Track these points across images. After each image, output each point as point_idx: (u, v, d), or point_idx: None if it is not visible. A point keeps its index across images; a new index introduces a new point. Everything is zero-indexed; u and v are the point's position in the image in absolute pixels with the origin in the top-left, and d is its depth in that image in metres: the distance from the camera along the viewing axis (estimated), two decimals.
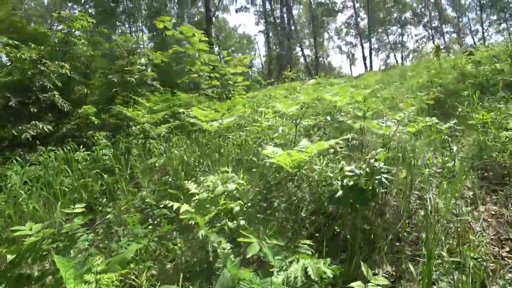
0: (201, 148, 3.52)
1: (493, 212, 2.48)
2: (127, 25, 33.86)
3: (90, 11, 30.27)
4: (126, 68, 5.78)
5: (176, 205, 1.93)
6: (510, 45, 8.43)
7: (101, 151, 4.20)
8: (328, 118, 3.60)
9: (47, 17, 28.38)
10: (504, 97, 4.54)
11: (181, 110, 4.87)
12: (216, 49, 40.43)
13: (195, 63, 6.95)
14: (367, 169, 1.77)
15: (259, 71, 41.60)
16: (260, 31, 33.55)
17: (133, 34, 32.71)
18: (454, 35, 43.89)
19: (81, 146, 4.52)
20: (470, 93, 5.44)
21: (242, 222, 1.98)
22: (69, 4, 30.52)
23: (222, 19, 41.98)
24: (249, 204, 2.17)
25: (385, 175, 1.85)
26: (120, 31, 31.28)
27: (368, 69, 30.88)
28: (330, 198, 1.91)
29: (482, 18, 42.22)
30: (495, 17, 42.16)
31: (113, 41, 6.22)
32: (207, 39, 6.82)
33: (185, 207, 1.98)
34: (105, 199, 3.32)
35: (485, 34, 43.22)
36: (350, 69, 44.88)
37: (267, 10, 31.74)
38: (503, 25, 41.52)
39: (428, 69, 10.14)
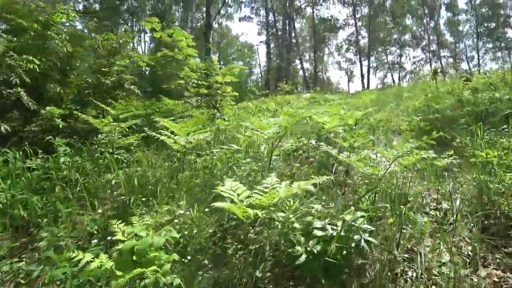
0: (160, 170, 3.02)
1: (496, 279, 2.01)
2: (130, 24, 33.42)
3: (94, 6, 29.90)
4: (103, 69, 5.30)
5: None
6: (507, 73, 8.16)
7: (61, 159, 3.68)
8: (313, 142, 3.13)
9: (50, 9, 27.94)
10: (505, 129, 4.11)
11: (158, 119, 4.37)
12: (216, 56, 40.31)
13: (182, 69, 6.50)
14: (343, 231, 1.29)
15: (258, 81, 41.42)
16: (261, 41, 33.41)
17: (136, 33, 32.45)
18: (451, 60, 44.23)
19: (40, 152, 3.98)
20: (468, 121, 5.05)
21: (176, 282, 1.48)
22: None
23: (226, 26, 41.87)
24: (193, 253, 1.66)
25: (367, 236, 1.37)
26: (122, 29, 30.93)
27: (365, 87, 30.75)
28: (293, 260, 1.42)
29: (478, 46, 42.66)
30: (490, 45, 42.61)
31: (93, 39, 5.74)
32: (194, 44, 6.37)
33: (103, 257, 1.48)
34: (45, 220, 2.80)
35: (481, 61, 43.59)
36: (348, 85, 44.81)
37: (270, 21, 31.65)
38: (499, 54, 42.01)
39: (425, 92, 9.79)
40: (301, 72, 34.63)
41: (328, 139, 3.57)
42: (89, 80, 5.10)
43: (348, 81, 44.46)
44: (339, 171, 2.65)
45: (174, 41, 6.23)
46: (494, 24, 40.44)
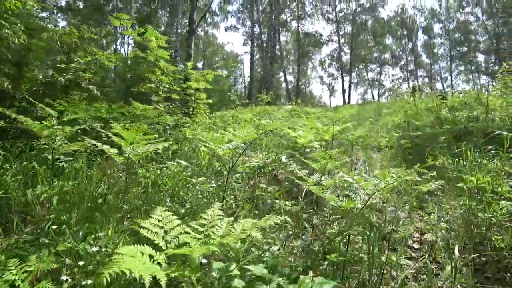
0: (98, 185, 2.45)
1: None
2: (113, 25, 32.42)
3: (78, 3, 28.85)
4: (59, 65, 4.69)
5: None
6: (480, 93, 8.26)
7: None
8: (283, 159, 2.67)
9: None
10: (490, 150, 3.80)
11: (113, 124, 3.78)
12: (201, 63, 39.79)
13: (153, 72, 5.96)
14: None
15: (242, 91, 41.16)
16: (246, 52, 33.25)
17: (119, 34, 31.49)
18: (427, 80, 45.88)
19: None
20: (448, 139, 4.79)
21: None
22: None
23: (212, 34, 41.57)
24: None
25: None
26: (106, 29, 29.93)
27: (346, 102, 31.08)
28: None
29: (452, 68, 44.52)
30: (462, 68, 44.52)
31: (49, 31, 5.09)
32: (167, 45, 5.86)
33: None
34: None
35: (454, 82, 45.42)
36: (330, 99, 45.46)
37: (256, 32, 31.61)
38: (470, 76, 43.98)
39: (404, 108, 9.67)
40: (284, 84, 34.66)
41: (302, 154, 3.15)
42: (40, 76, 4.47)
43: (330, 95, 45.11)
44: (310, 197, 2.21)
45: (145, 41, 5.70)
46: (466, 49, 42.44)
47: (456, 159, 3.57)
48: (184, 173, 2.37)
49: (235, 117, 7.19)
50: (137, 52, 6.49)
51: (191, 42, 13.05)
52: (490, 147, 3.61)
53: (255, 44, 33.86)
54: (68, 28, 5.23)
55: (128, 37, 33.67)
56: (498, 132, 3.65)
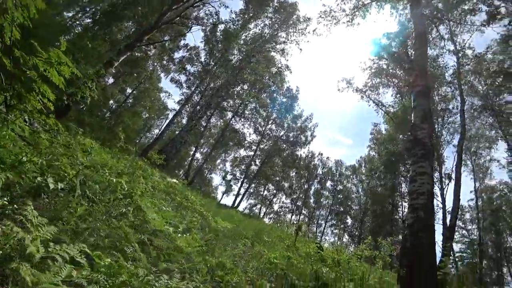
0: None
1: None
2: None
3: None
4: None
5: None
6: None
7: None
8: None
9: None
10: None
11: None
12: (131, 89, 35.97)
13: None
14: None
15: (149, 141, 37.48)
16: (173, 109, 31.59)
17: None
18: (307, 219, 49.72)
19: None
20: None
21: None
22: None
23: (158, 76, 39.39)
24: None
25: None
26: None
27: (235, 205, 30.28)
28: None
29: (327, 219, 49.87)
30: (334, 222, 50.13)
31: None
32: None
33: None
34: None
35: (325, 230, 50.23)
36: (222, 195, 44.61)
37: (194, 100, 30.74)
38: (336, 231, 49.49)
39: (283, 243, 8.58)
40: (190, 159, 32.92)
41: None
42: None
43: (225, 192, 44.40)
44: None
45: None
46: (342, 209, 48.97)
47: None
48: None
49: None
50: None
51: (122, 56, 10.89)
52: None
53: (187, 109, 32.75)
54: None
55: None
56: None
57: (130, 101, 39.23)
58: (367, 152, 44.63)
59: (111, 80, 37.07)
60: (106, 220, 3.21)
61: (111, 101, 37.92)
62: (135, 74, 35.50)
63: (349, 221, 48.97)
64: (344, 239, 47.19)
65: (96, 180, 4.36)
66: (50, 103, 3.53)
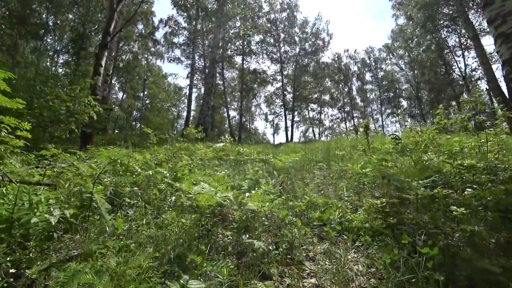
0: None
1: None
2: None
3: None
4: None
5: None
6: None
7: None
8: None
9: None
10: None
11: None
12: (143, 93, 36.01)
13: None
14: None
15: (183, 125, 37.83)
16: (187, 85, 30.59)
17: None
18: (361, 120, 48.19)
19: None
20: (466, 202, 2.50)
21: None
22: None
23: (154, 63, 38.50)
24: None
25: None
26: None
27: (289, 139, 29.76)
28: None
29: (382, 110, 47.34)
30: (389, 111, 47.71)
31: None
32: None
33: None
34: None
35: (384, 123, 48.17)
36: (273, 136, 44.54)
37: (199, 66, 29.52)
38: (395, 118, 47.14)
39: (357, 149, 7.64)
40: (227, 121, 32.53)
41: None
42: None
43: (274, 133, 44.19)
44: None
45: None
46: (392, 94, 45.91)
47: None
48: None
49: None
50: None
51: (102, 56, 9.94)
52: None
53: (199, 77, 31.67)
54: None
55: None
56: None
57: (148, 101, 39.36)
58: (394, 23, 39.42)
59: (116, 94, 36.93)
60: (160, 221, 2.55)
61: (135, 112, 38.51)
62: (137, 77, 34.88)
63: (404, 103, 45.88)
64: (407, 123, 44.84)
65: (137, 183, 3.76)
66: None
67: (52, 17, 26.84)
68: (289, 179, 4.58)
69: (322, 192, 3.78)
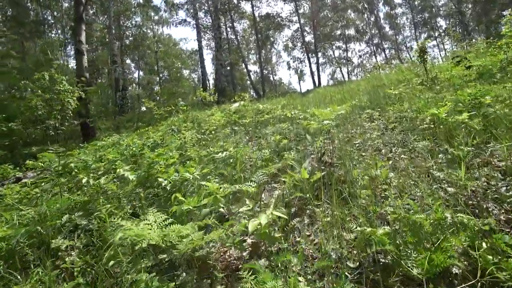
0: None
1: None
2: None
3: None
4: None
5: None
6: None
7: None
8: None
9: None
10: None
11: None
12: (158, 66, 34.55)
13: None
14: None
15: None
16: (199, 47, 27.95)
17: None
18: (393, 51, 43.40)
19: None
20: None
21: None
22: None
23: (162, 33, 36.26)
24: None
25: None
26: None
27: (317, 85, 27.09)
28: None
29: (417, 36, 41.90)
30: (426, 35, 42.21)
31: None
32: None
33: None
34: None
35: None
36: (299, 84, 41.56)
37: (207, 24, 26.77)
38: (434, 42, 41.43)
39: (413, 83, 5.61)
40: (247, 76, 30.28)
41: None
42: None
43: (299, 80, 41.09)
44: None
45: None
46: (427, 15, 39.86)
47: None
48: None
49: None
50: None
51: (80, 31, 8.31)
52: None
53: (210, 36, 29.03)
54: None
55: None
56: None
57: (166, 73, 37.71)
58: None
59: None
60: None
61: (156, 87, 37.35)
62: (148, 51, 32.90)
63: (442, 23, 39.59)
64: (447, 46, 39.10)
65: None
66: None
67: (48, 11, 25.28)
68: (331, 142, 2.93)
69: (401, 171, 2.12)
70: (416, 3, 40.82)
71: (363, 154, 2.67)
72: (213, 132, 4.37)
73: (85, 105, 7.25)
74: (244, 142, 3.73)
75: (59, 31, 27.90)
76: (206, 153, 2.90)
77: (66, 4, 24.74)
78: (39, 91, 6.14)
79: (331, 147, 2.64)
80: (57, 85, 5.77)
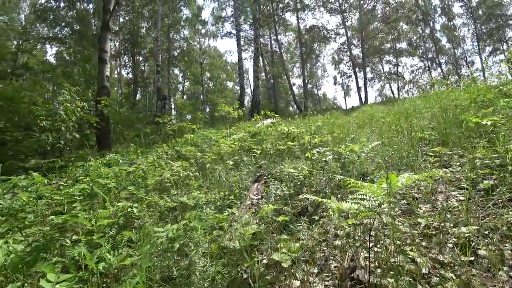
0: None
1: None
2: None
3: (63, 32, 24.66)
4: None
5: None
6: None
7: None
8: None
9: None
10: None
11: None
12: (205, 76, 35.16)
13: None
14: None
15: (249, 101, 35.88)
16: (245, 58, 27.47)
17: None
18: (450, 66, 38.81)
19: None
20: None
21: None
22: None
23: (208, 45, 36.99)
24: None
25: None
26: None
27: (363, 102, 24.81)
28: None
29: (480, 49, 37.01)
30: (490, 48, 37.14)
31: None
32: None
33: None
34: None
35: (484, 64, 37.38)
36: (345, 100, 39.17)
37: (250, 35, 26.38)
38: (499, 57, 36.11)
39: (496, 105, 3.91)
40: (290, 91, 29.05)
41: None
42: None
43: (345, 96, 38.73)
44: None
45: None
46: (494, 26, 35.03)
47: None
48: None
49: None
50: None
51: (104, 40, 7.90)
52: None
53: (251, 47, 28.56)
54: None
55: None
56: None
57: (211, 84, 38.36)
58: None
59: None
60: None
61: (201, 96, 38.13)
62: (195, 63, 33.63)
63: (510, 33, 34.54)
64: None
65: None
66: None
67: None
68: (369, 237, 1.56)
69: None
70: (480, 12, 36.33)
71: (436, 254, 1.26)
72: (211, 162, 3.24)
73: (102, 115, 6.72)
74: (243, 186, 2.52)
75: (117, 44, 29.67)
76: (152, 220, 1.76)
77: (122, 19, 26.12)
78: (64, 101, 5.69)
79: (369, 244, 1.28)
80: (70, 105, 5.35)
